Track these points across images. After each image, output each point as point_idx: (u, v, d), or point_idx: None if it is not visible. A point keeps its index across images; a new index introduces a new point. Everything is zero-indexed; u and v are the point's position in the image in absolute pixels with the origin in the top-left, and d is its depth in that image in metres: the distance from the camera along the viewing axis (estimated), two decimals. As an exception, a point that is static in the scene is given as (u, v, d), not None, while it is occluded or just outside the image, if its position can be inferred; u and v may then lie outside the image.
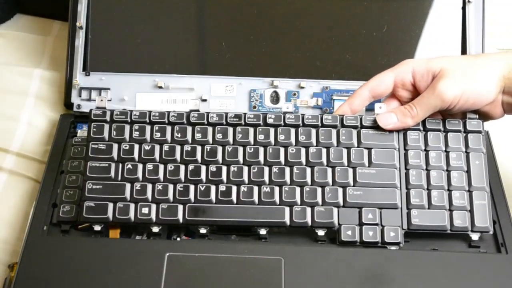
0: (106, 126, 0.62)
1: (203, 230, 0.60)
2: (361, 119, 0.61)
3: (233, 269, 0.57)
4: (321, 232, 0.59)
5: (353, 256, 0.58)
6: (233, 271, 0.57)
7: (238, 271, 0.57)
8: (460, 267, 0.58)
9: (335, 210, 0.59)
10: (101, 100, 0.64)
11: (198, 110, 0.63)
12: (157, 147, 0.61)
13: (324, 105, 0.70)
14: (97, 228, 0.60)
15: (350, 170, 0.60)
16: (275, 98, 0.71)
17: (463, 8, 0.72)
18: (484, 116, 0.62)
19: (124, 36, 0.72)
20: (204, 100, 0.70)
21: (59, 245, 0.59)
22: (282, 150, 0.61)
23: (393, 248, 0.58)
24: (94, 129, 0.62)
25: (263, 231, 0.60)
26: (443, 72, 0.58)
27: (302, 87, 0.70)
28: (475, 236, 0.60)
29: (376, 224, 0.59)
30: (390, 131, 0.61)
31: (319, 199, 0.59)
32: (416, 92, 0.61)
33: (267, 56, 0.71)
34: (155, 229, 0.60)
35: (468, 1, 0.72)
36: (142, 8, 0.72)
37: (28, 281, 0.57)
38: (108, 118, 0.62)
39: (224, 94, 0.71)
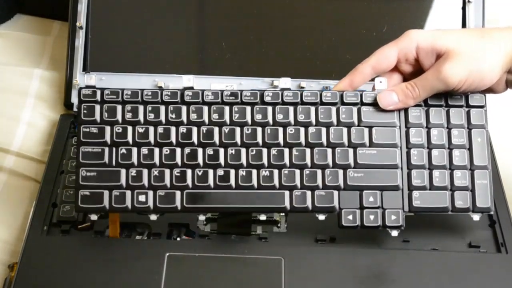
0: (97, 107, 0.58)
1: (201, 217, 0.60)
2: (361, 96, 0.59)
3: (233, 269, 0.57)
4: (321, 217, 0.57)
5: (353, 256, 0.58)
6: (233, 271, 0.57)
7: (238, 271, 0.57)
8: (460, 267, 0.58)
9: (335, 193, 0.57)
10: (91, 78, 0.60)
11: (192, 88, 0.59)
12: (151, 129, 0.58)
13: (324, 105, 0.70)
14: (93, 217, 0.57)
15: (351, 151, 0.58)
16: (275, 98, 0.71)
17: (463, 8, 0.72)
18: (486, 91, 0.60)
19: (124, 36, 0.72)
20: (204, 100, 0.70)
21: (59, 245, 0.59)
22: (280, 130, 0.58)
23: (394, 231, 0.57)
24: (85, 111, 0.58)
25: (262, 217, 0.60)
26: (448, 54, 0.56)
27: (302, 87, 0.70)
28: (476, 217, 0.58)
29: (377, 207, 0.57)
30: None
31: (319, 182, 0.57)
32: (419, 66, 0.59)
33: (267, 56, 0.71)
34: (153, 217, 0.58)
35: (468, 1, 0.72)
36: (142, 8, 0.72)
37: (28, 281, 0.57)
38: (98, 98, 0.59)
39: (224, 94, 0.71)
